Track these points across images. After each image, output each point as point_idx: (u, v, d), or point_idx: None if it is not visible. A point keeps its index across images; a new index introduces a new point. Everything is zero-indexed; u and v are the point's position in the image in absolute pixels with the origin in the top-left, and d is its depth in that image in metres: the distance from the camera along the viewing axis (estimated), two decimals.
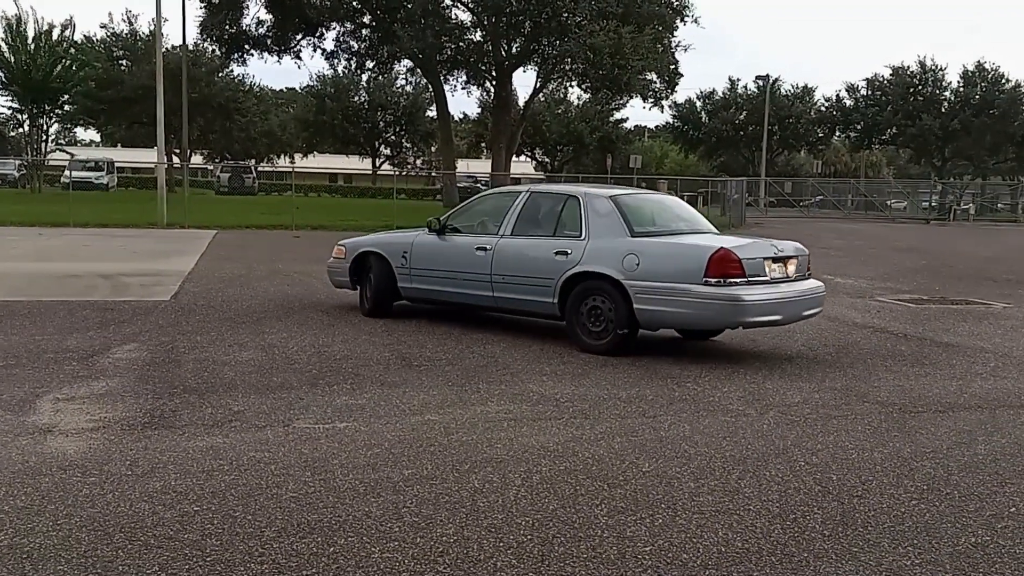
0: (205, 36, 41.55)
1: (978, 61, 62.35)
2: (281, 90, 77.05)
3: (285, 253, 17.86)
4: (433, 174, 69.21)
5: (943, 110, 60.90)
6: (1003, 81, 60.61)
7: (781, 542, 3.86)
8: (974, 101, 59.83)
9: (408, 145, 73.29)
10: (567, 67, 39.47)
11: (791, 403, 6.44)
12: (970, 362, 8.08)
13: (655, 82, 41.92)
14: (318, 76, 66.59)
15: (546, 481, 4.56)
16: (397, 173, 63.85)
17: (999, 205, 56.24)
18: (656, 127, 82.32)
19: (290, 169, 61.47)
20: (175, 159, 53.46)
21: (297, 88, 72.90)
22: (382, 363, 7.46)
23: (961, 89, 61.19)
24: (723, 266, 7.49)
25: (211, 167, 66.04)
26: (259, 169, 62.68)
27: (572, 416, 5.90)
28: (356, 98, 68.97)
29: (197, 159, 64.08)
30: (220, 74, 59.75)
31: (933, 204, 50.17)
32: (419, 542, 3.75)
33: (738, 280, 7.50)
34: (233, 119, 61.94)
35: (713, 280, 7.45)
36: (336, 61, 44.36)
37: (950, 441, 5.53)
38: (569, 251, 8.20)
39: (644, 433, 5.53)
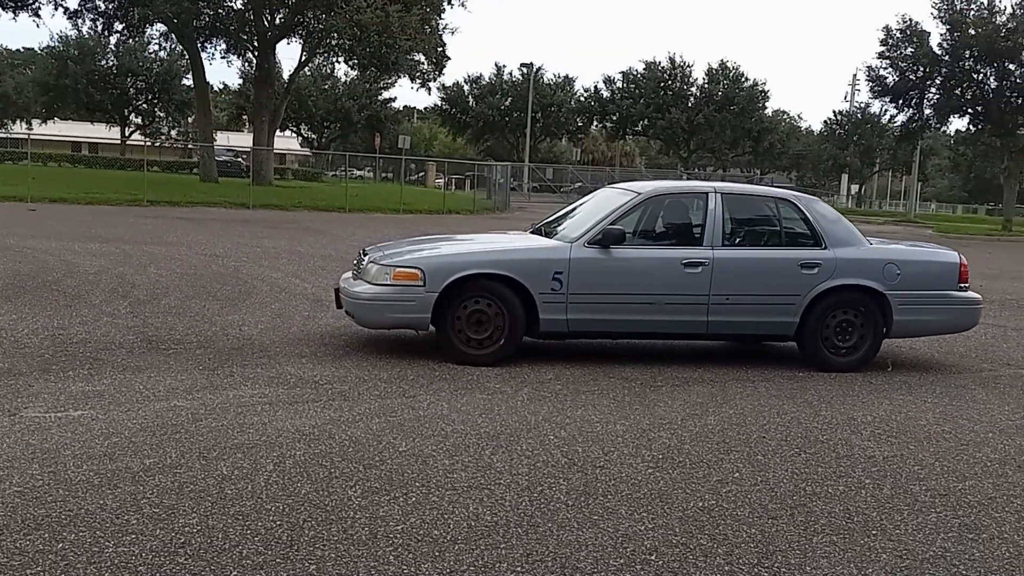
0: None
1: (722, 60, 67.62)
2: (17, 50, 70.36)
3: (18, 228, 16.31)
4: (190, 146, 65.64)
5: (689, 105, 65.53)
6: (743, 80, 66.16)
7: (528, 513, 4.01)
8: (717, 97, 64.83)
9: (162, 114, 69.07)
10: (333, 42, 38.66)
11: (544, 380, 6.69)
12: (705, 342, 8.73)
13: (423, 63, 42.00)
14: (60, 36, 61.37)
15: (299, 465, 4.47)
16: (149, 144, 59.90)
17: None
18: (425, 108, 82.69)
19: (26, 136, 56.10)
20: None
21: (36, 48, 66.74)
22: (125, 346, 7.00)
23: (706, 86, 66.09)
24: (966, 272, 7.98)
25: None
26: None
27: (331, 398, 5.82)
28: (103, 62, 64.10)
29: None
30: None
31: None
32: (159, 534, 3.56)
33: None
34: None
35: (960, 286, 7.89)
36: (80, 21, 40.95)
37: (684, 412, 5.96)
38: (819, 263, 7.50)
39: (403, 413, 5.55)
